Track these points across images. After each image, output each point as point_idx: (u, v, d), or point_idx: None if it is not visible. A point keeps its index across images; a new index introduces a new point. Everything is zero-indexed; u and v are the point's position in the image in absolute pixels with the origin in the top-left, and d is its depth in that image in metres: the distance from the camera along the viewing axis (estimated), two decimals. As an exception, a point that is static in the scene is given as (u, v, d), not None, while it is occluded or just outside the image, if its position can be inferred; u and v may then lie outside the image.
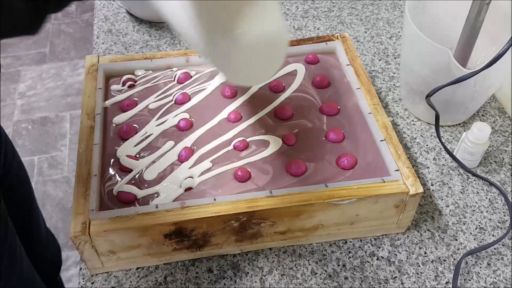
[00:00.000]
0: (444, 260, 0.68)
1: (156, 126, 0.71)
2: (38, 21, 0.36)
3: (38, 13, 0.36)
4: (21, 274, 0.76)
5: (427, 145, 0.82)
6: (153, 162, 0.67)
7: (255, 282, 0.65)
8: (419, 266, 0.68)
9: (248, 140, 0.69)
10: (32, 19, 0.36)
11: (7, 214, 0.74)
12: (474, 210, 0.74)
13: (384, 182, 0.64)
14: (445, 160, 0.80)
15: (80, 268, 0.66)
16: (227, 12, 0.52)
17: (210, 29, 0.50)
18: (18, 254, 0.75)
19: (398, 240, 0.70)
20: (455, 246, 0.70)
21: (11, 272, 0.73)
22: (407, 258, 0.68)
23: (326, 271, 0.67)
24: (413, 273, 0.67)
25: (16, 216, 0.82)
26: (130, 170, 0.65)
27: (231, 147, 0.69)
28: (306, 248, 0.69)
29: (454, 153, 0.79)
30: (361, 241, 0.70)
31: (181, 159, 0.67)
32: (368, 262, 0.68)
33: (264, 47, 0.56)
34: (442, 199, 0.75)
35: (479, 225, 0.72)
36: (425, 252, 0.69)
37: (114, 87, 0.76)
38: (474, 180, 0.78)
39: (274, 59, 0.59)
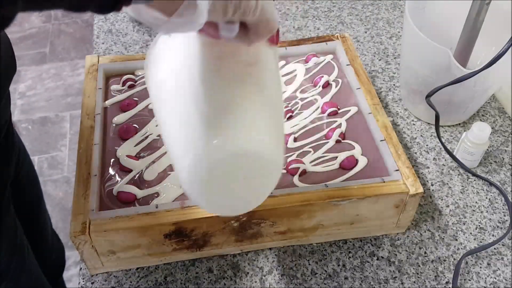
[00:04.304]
0: (444, 260, 0.68)
1: (156, 126, 0.71)
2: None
3: None
4: (29, 275, 0.76)
5: (427, 145, 0.82)
6: (153, 162, 0.67)
7: (255, 282, 0.65)
8: (419, 266, 0.68)
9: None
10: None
11: (16, 216, 0.74)
12: (474, 210, 0.74)
13: (384, 182, 0.64)
14: (445, 160, 0.80)
15: (80, 268, 0.66)
16: (211, 110, 0.45)
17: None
18: (27, 255, 0.75)
19: (398, 240, 0.70)
20: (455, 246, 0.70)
21: (21, 273, 0.73)
22: (407, 258, 0.68)
23: (326, 271, 0.67)
24: (413, 273, 0.67)
25: (24, 216, 0.82)
26: (130, 170, 0.65)
27: (231, 147, 0.68)
28: (306, 248, 0.69)
29: (454, 153, 0.79)
30: (361, 241, 0.70)
31: (181, 159, 0.67)
32: (368, 262, 0.68)
33: (245, 167, 0.46)
34: (442, 199, 0.75)
35: (479, 225, 0.72)
36: (425, 252, 0.69)
37: (114, 87, 0.76)
38: (474, 180, 0.78)
39: (257, 185, 0.49)
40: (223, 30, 0.41)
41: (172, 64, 0.49)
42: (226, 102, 0.45)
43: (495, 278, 0.67)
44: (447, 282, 0.66)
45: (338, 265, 0.67)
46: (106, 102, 0.73)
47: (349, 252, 0.69)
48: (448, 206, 0.74)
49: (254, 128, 0.45)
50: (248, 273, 0.66)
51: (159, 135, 0.70)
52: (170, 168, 0.66)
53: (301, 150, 0.68)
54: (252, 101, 0.46)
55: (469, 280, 0.67)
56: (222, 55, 0.46)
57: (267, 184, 0.50)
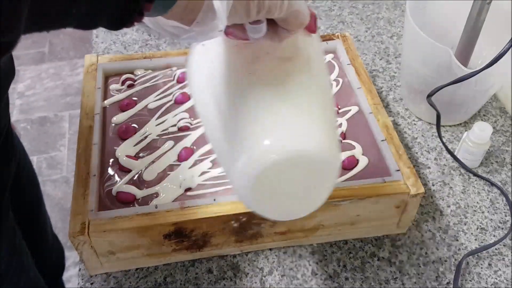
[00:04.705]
0: (445, 261, 0.68)
1: (156, 125, 0.71)
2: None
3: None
4: (29, 276, 0.76)
5: (428, 145, 0.82)
6: (153, 162, 0.66)
7: (255, 282, 0.65)
8: (420, 266, 0.67)
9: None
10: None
11: (14, 220, 0.73)
12: (475, 211, 0.74)
13: (385, 182, 0.64)
14: (446, 160, 0.80)
15: (79, 269, 0.66)
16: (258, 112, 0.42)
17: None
18: (25, 259, 0.75)
19: (399, 240, 0.70)
20: (456, 246, 0.70)
21: (20, 274, 0.73)
22: (408, 258, 0.68)
23: (326, 271, 0.66)
24: (414, 273, 0.66)
25: (24, 218, 0.82)
26: (130, 170, 0.65)
27: (231, 147, 0.68)
28: (307, 249, 0.68)
29: (455, 153, 0.79)
30: (361, 241, 0.69)
31: (181, 159, 0.66)
32: (369, 262, 0.67)
33: (297, 169, 0.43)
34: (443, 199, 0.75)
35: (480, 226, 0.72)
36: (426, 253, 0.69)
37: (113, 86, 0.75)
38: (475, 180, 0.77)
39: (312, 187, 0.46)
40: (250, 32, 0.39)
41: (209, 71, 0.47)
42: (271, 102, 0.42)
43: (496, 279, 0.66)
44: (448, 283, 0.66)
45: (339, 266, 0.67)
46: (105, 101, 0.73)
47: (350, 252, 0.68)
48: (449, 206, 0.74)
49: (305, 126, 0.43)
50: (248, 273, 0.66)
51: (158, 135, 0.69)
52: (170, 168, 0.66)
53: (301, 150, 0.68)
54: (298, 97, 0.43)
55: (470, 280, 0.66)
56: (257, 55, 0.44)
57: (324, 186, 0.47)
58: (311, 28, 0.43)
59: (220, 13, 0.34)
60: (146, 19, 0.34)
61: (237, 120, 0.43)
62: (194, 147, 0.68)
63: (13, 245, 0.71)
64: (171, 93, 0.75)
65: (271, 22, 0.39)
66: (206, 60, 0.48)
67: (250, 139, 0.42)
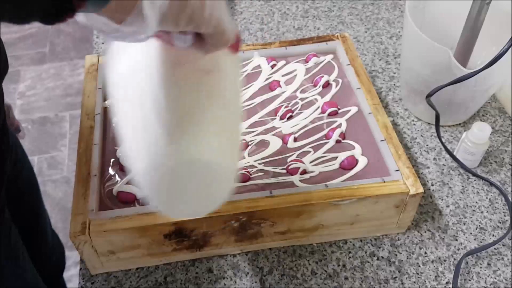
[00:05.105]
0: (445, 260, 0.68)
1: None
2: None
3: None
4: (25, 279, 0.76)
5: (427, 145, 0.82)
6: (153, 162, 0.66)
7: (255, 282, 0.65)
8: (419, 266, 0.67)
9: (248, 140, 0.69)
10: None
11: (11, 220, 0.74)
12: (474, 210, 0.74)
13: (384, 182, 0.64)
14: (446, 160, 0.80)
15: (80, 268, 0.66)
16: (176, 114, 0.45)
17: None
18: (21, 260, 0.75)
19: (398, 240, 0.70)
20: (455, 246, 0.70)
21: (15, 280, 0.73)
22: (407, 258, 0.68)
23: (326, 271, 0.67)
24: (413, 273, 0.67)
25: (24, 219, 0.82)
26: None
27: (231, 147, 0.68)
28: (306, 248, 0.69)
29: (454, 153, 0.79)
30: (361, 241, 0.70)
31: (181, 159, 0.67)
32: (368, 262, 0.68)
33: (198, 174, 0.47)
34: (442, 199, 0.75)
35: (479, 225, 0.72)
36: (425, 252, 0.69)
37: (114, 87, 0.76)
38: (475, 180, 0.78)
39: (211, 191, 0.50)
40: (176, 40, 0.40)
41: (132, 61, 0.48)
42: (181, 110, 0.45)
43: (496, 278, 0.67)
44: (447, 282, 0.66)
45: (338, 265, 0.67)
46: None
47: (349, 252, 0.69)
48: (448, 206, 0.74)
49: (205, 137, 0.46)
50: (248, 273, 0.66)
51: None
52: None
53: (301, 150, 0.68)
54: (206, 110, 0.46)
55: (469, 280, 0.66)
56: (179, 61, 0.46)
57: (220, 191, 0.50)
58: (235, 47, 0.46)
59: (150, 19, 0.34)
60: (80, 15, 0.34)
61: (148, 120, 0.45)
62: (194, 147, 0.68)
63: (8, 247, 0.71)
64: (172, 93, 0.75)
65: (199, 36, 0.40)
66: (126, 53, 0.49)
67: (155, 143, 0.45)
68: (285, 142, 0.69)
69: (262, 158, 0.67)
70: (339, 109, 0.73)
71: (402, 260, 0.68)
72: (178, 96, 0.45)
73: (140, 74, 0.47)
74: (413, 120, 0.86)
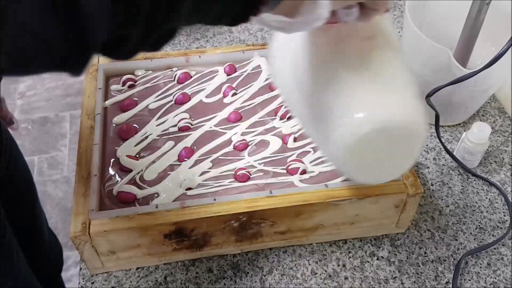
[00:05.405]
0: (444, 260, 0.68)
1: (156, 126, 0.71)
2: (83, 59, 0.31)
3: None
4: (17, 278, 0.75)
5: (427, 145, 0.82)
6: (153, 162, 0.67)
7: (255, 282, 0.65)
8: (419, 266, 0.68)
9: (248, 140, 0.69)
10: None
11: (6, 219, 0.74)
12: (474, 210, 0.74)
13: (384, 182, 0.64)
14: (445, 160, 0.80)
15: (80, 268, 0.66)
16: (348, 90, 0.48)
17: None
18: (16, 260, 0.75)
19: (398, 240, 0.70)
20: (455, 246, 0.70)
21: (10, 279, 0.73)
22: (407, 258, 0.68)
23: (326, 271, 0.67)
24: (413, 273, 0.67)
25: (19, 219, 0.82)
26: (130, 170, 0.65)
27: (231, 147, 0.69)
28: (306, 248, 0.69)
29: (454, 153, 0.79)
30: (361, 241, 0.70)
31: (181, 159, 0.67)
32: (368, 262, 0.68)
33: (388, 138, 0.49)
34: (442, 199, 0.75)
35: (479, 225, 0.72)
36: (425, 252, 0.69)
37: (114, 87, 0.76)
38: (474, 180, 0.78)
39: (402, 154, 0.52)
40: (343, 16, 0.43)
41: (293, 53, 0.51)
42: (358, 80, 0.47)
43: (495, 278, 0.67)
44: (447, 282, 0.66)
45: (338, 265, 0.67)
46: (106, 102, 0.73)
47: (349, 252, 0.69)
48: (448, 206, 0.74)
49: (392, 98, 0.48)
50: (248, 273, 0.66)
51: (159, 135, 0.70)
52: (170, 168, 0.66)
53: (301, 150, 0.68)
54: (385, 72, 0.48)
55: (469, 280, 0.67)
56: (339, 37, 0.48)
57: (411, 152, 0.52)
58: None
59: (323, 5, 0.37)
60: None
61: (327, 97, 0.48)
62: (194, 147, 0.68)
63: (3, 245, 0.71)
64: (172, 93, 0.75)
65: (359, 5, 0.43)
66: (288, 44, 0.52)
67: (343, 114, 0.47)
68: (285, 142, 0.69)
69: (262, 158, 0.67)
70: (339, 109, 0.73)
71: (402, 260, 0.68)
72: (353, 66, 0.48)
73: (305, 60, 0.50)
74: (413, 120, 0.86)
